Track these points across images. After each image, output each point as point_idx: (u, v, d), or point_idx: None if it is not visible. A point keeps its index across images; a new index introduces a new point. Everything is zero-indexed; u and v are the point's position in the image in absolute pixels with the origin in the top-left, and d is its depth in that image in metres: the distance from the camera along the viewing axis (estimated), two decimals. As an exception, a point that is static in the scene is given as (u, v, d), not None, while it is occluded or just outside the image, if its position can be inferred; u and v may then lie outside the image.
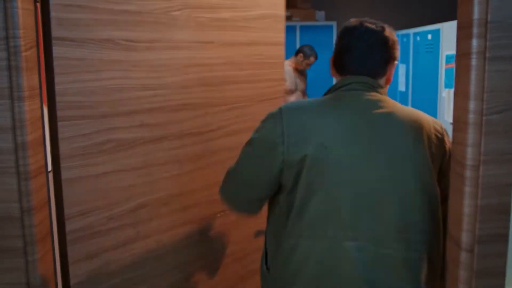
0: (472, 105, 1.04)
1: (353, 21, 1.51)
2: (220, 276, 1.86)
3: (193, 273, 1.73)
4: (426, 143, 1.38)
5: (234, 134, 1.77)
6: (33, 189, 1.13)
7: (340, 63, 1.49)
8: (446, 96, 3.43)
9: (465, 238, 1.07)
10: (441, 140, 1.43)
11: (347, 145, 1.34)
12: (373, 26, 1.47)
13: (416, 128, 1.39)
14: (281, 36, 1.97)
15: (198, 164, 1.65)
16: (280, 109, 1.40)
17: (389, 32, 1.48)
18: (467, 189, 1.06)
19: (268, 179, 1.39)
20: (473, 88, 1.04)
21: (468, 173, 1.05)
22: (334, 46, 1.56)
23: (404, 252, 1.34)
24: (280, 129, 1.36)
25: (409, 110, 1.43)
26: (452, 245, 1.12)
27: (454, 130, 1.12)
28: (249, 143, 1.43)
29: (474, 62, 1.03)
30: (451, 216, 1.13)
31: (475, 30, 1.02)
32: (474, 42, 1.03)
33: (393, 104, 1.42)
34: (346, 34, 1.49)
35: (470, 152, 1.05)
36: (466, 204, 1.06)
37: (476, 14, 1.02)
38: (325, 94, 1.50)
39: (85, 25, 1.32)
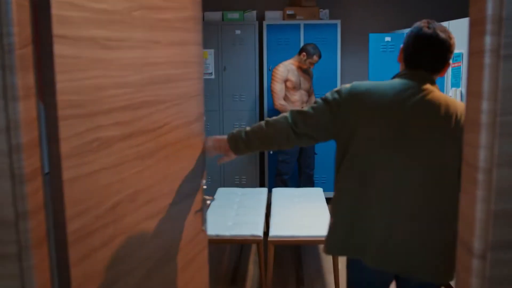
0: (485, 105, 0.99)
1: (424, 25, 1.89)
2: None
3: (159, 266, 1.84)
4: (454, 125, 1.80)
5: (175, 130, 1.89)
6: (29, 193, 1.09)
7: (410, 60, 1.93)
8: (453, 95, 3.38)
9: (477, 244, 1.03)
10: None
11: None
12: (443, 36, 1.87)
13: (450, 112, 1.82)
14: (200, 37, 2.11)
15: (153, 160, 1.75)
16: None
17: (452, 39, 1.90)
18: (480, 193, 1.01)
19: None
20: (486, 87, 0.99)
21: (480, 176, 1.01)
22: (406, 39, 1.95)
23: None
24: None
25: (447, 98, 1.86)
26: (464, 251, 1.08)
27: (466, 132, 1.08)
28: None
29: (487, 60, 0.98)
30: (462, 220, 1.09)
31: (488, 27, 0.98)
32: (488, 40, 0.98)
33: (438, 94, 1.86)
34: (420, 39, 1.89)
35: (482, 154, 1.01)
36: (478, 209, 1.02)
37: (489, 10, 0.97)
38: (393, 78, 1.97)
39: (77, 23, 1.32)
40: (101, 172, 1.46)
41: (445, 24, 3.55)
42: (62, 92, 1.25)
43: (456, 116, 1.81)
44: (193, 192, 2.07)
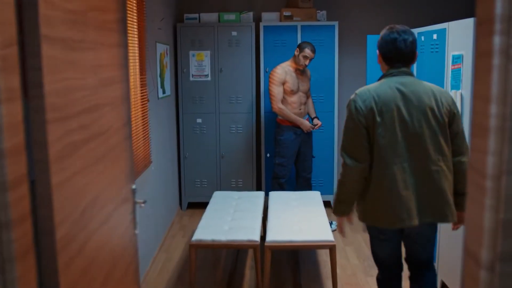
0: (493, 109, 0.94)
1: (390, 31, 2.59)
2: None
3: (109, 275, 1.83)
4: (438, 106, 2.51)
5: (116, 133, 1.88)
6: (12, 201, 1.04)
7: (389, 60, 2.59)
8: (453, 98, 3.34)
9: (485, 255, 0.98)
10: (448, 105, 2.55)
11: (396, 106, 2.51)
12: (405, 35, 2.55)
13: (434, 96, 2.53)
14: (127, 39, 2.12)
15: (103, 164, 1.74)
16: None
17: (412, 34, 2.59)
18: (488, 201, 0.96)
19: None
20: (495, 90, 0.94)
21: (489, 183, 0.96)
22: (380, 44, 2.61)
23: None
24: None
25: (429, 85, 2.58)
26: (471, 262, 1.03)
27: (473, 136, 1.03)
28: None
29: (496, 61, 0.93)
30: (469, 230, 1.04)
31: (497, 26, 0.93)
32: (497, 40, 0.93)
33: (419, 81, 2.59)
34: (390, 43, 2.56)
35: (491, 160, 0.96)
36: (486, 218, 0.97)
37: (499, 9, 0.92)
38: (379, 79, 2.64)
39: (55, 23, 1.29)
40: (74, 177, 1.45)
41: (444, 25, 3.51)
42: (49, 94, 1.20)
43: (435, 96, 2.53)
44: (129, 196, 2.07)
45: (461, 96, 3.20)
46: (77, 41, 1.46)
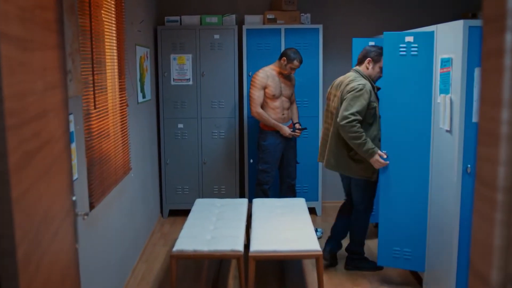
0: (505, 114, 0.85)
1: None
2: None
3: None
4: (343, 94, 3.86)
5: (59, 141, 1.75)
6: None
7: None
8: (442, 103, 3.26)
9: (495, 276, 0.88)
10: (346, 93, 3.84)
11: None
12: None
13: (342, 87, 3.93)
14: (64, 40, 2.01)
15: (51, 174, 1.61)
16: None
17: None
18: (499, 216, 0.87)
19: None
20: (506, 93, 0.84)
21: (500, 197, 0.86)
22: (374, 54, 3.98)
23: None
24: None
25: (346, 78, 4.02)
26: (478, 283, 0.93)
27: (479, 145, 0.93)
28: None
29: (508, 61, 0.84)
30: (476, 247, 0.94)
31: (509, 22, 0.83)
32: (508, 37, 0.83)
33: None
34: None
35: (502, 171, 0.86)
36: (497, 235, 0.87)
37: (510, 3, 0.83)
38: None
39: (9, 19, 1.16)
40: (31, 190, 1.32)
41: (432, 28, 3.43)
42: (7, 98, 1.07)
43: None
44: (71, 208, 1.93)
45: (450, 100, 3.13)
46: (28, 41, 1.33)
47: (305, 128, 5.07)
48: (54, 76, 1.72)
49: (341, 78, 4.07)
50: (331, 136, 3.95)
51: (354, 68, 4.04)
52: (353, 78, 3.88)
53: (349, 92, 3.75)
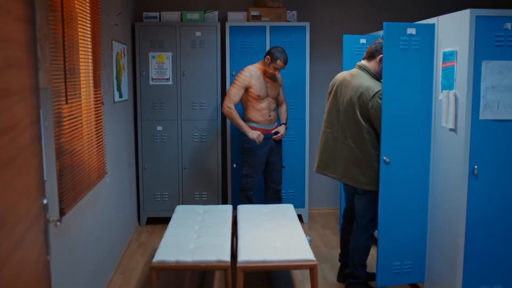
0: None
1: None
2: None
3: None
4: (357, 100, 3.35)
5: (27, 130, 1.52)
6: None
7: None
8: (444, 99, 3.03)
9: None
10: (362, 101, 3.32)
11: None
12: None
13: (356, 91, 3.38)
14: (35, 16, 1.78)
15: (13, 169, 1.35)
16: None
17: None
18: None
19: None
20: None
21: None
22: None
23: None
24: None
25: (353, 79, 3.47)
26: None
27: None
28: None
29: None
30: None
31: None
32: None
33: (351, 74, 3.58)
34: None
35: None
36: None
37: None
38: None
39: None
40: None
41: (433, 20, 3.21)
42: None
43: None
44: (40, 213, 1.65)
45: (455, 96, 2.90)
46: None
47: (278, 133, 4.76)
48: (18, 53, 1.45)
49: (345, 75, 3.52)
50: (350, 148, 3.40)
51: (360, 63, 3.49)
52: (363, 78, 3.38)
53: (372, 98, 3.27)
